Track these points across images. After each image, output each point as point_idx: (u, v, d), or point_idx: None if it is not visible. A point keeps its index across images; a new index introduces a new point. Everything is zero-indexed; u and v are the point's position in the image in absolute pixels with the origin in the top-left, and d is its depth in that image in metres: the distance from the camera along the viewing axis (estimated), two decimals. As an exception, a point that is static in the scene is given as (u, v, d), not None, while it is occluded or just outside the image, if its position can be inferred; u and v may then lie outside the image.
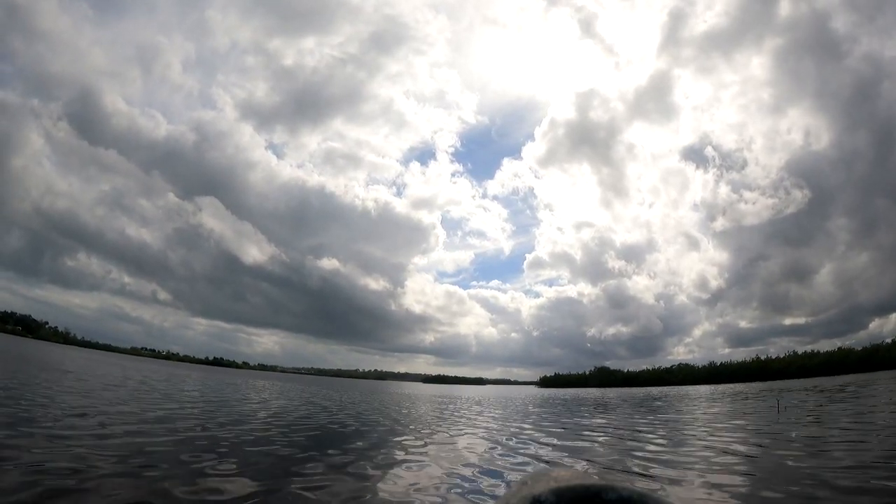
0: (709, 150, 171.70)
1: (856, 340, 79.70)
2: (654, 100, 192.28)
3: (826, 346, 79.22)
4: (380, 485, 3.71)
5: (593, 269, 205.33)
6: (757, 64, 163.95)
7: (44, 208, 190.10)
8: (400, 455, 5.22)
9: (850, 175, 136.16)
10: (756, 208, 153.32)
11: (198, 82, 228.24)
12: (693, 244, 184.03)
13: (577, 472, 0.75)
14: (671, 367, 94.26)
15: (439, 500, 3.37)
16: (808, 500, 3.14)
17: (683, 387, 57.20)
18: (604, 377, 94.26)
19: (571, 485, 0.68)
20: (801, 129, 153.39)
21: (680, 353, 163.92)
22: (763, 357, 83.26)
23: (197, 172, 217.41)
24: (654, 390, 39.07)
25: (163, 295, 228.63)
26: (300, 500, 3.15)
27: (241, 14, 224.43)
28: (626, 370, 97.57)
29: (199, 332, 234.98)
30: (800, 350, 79.93)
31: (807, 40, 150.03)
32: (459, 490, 3.65)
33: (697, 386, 59.01)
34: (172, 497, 2.94)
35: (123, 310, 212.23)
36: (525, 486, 0.71)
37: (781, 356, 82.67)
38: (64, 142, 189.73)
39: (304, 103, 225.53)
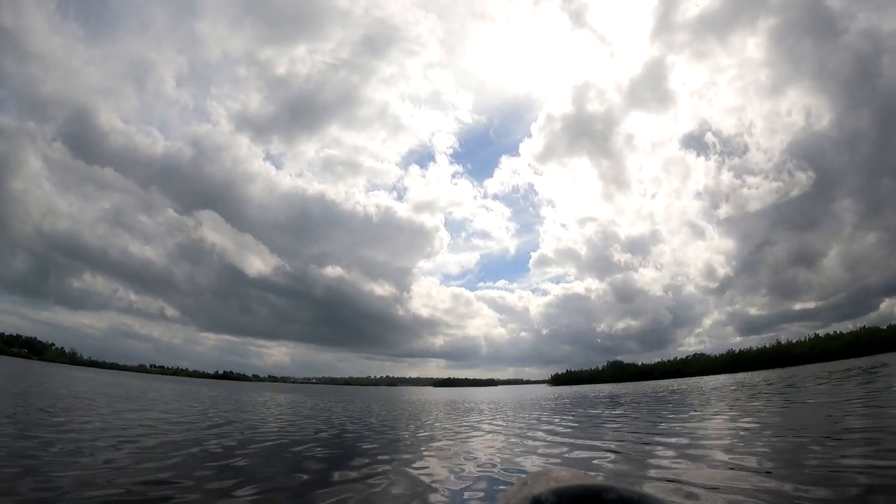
0: (709, 137, 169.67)
1: (867, 322, 77.19)
2: (650, 88, 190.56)
3: (838, 329, 76.84)
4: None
5: (599, 263, 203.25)
6: (752, 45, 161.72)
7: (45, 230, 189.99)
8: None
9: (854, 155, 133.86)
10: (759, 193, 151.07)
11: (192, 96, 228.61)
12: (698, 233, 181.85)
13: (578, 472, 0.75)
14: (687, 357, 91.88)
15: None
16: None
17: (705, 377, 54.89)
18: (617, 372, 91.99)
19: (572, 485, 0.67)
20: (802, 109, 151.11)
21: (691, 343, 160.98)
22: (776, 343, 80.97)
23: (195, 187, 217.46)
24: (688, 382, 36.71)
25: (170, 311, 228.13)
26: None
27: (230, 25, 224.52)
28: (640, 363, 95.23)
29: (208, 346, 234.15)
30: (811, 334, 77.70)
31: (802, 19, 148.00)
32: None
33: (724, 375, 56.53)
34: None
35: (132, 328, 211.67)
36: (525, 486, 0.71)
37: (802, 340, 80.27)
38: (61, 162, 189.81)
39: (299, 111, 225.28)
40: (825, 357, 63.03)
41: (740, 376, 37.91)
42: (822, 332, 76.62)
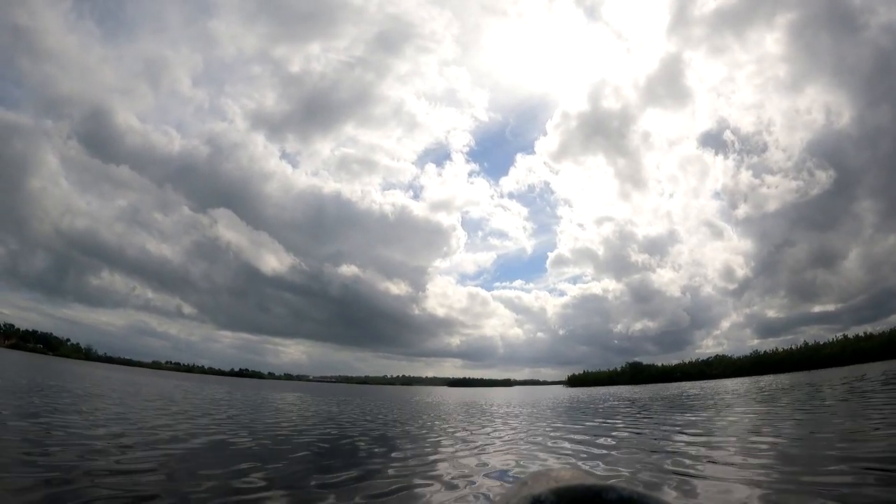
0: (727, 135, 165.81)
1: (886, 325, 73.83)
2: (667, 84, 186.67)
3: (857, 332, 73.51)
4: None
5: (616, 264, 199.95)
6: (771, 41, 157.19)
7: (64, 228, 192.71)
8: None
9: (875, 153, 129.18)
10: (779, 192, 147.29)
11: (207, 95, 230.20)
12: (716, 233, 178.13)
13: (578, 472, 0.74)
14: (709, 359, 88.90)
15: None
16: None
17: (733, 379, 52.21)
18: (637, 373, 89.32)
19: (572, 485, 0.67)
20: (822, 107, 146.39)
21: (709, 346, 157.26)
22: (803, 344, 77.61)
23: (211, 185, 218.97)
24: (724, 384, 34.17)
25: (187, 309, 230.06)
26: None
27: (244, 23, 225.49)
28: (660, 364, 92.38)
29: (225, 344, 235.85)
30: (839, 336, 74.26)
31: (821, 13, 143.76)
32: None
33: (750, 377, 53.74)
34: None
35: (150, 325, 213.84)
36: (525, 486, 0.70)
37: (831, 341, 76.96)
38: (77, 160, 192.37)
39: (314, 110, 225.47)
40: (855, 359, 59.88)
41: (783, 378, 35.36)
42: (840, 336, 73.29)
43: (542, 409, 14.93)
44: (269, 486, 3.74)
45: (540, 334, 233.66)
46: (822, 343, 77.11)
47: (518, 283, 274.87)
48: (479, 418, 11.55)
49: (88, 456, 4.40)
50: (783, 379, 32.42)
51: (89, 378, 22.09)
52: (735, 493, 3.32)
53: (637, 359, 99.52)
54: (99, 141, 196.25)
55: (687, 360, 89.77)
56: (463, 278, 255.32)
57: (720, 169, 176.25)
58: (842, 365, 57.44)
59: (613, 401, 19.29)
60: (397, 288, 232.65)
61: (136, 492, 3.32)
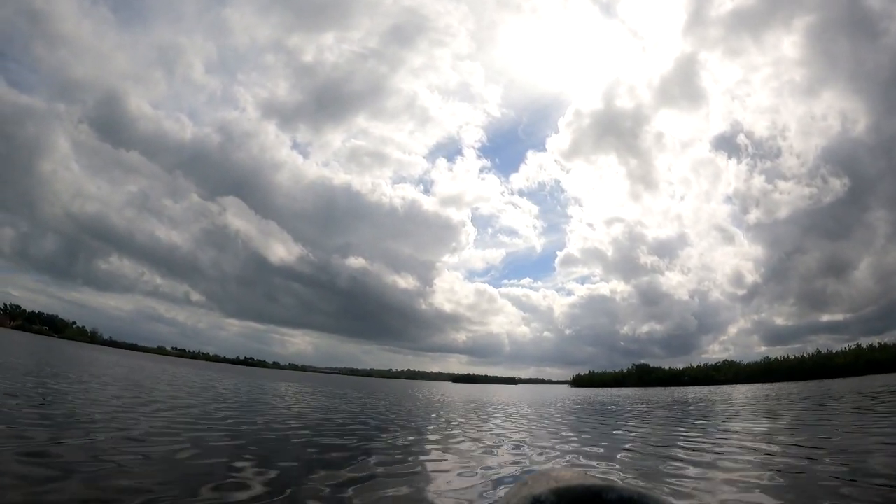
0: (741, 138, 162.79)
1: (895, 338, 71.91)
2: (682, 85, 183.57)
3: (866, 343, 71.74)
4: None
5: (625, 265, 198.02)
6: (788, 44, 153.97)
7: (74, 211, 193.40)
8: None
9: (891, 162, 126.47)
10: (791, 198, 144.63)
11: (220, 83, 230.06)
12: (727, 238, 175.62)
13: (578, 472, 0.74)
14: (717, 364, 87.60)
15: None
16: None
17: (747, 385, 50.86)
18: (643, 375, 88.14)
19: (572, 485, 0.67)
20: (838, 113, 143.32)
21: (715, 351, 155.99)
22: (806, 353, 75.99)
23: (221, 173, 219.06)
24: (739, 389, 32.75)
25: (195, 296, 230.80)
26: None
27: (258, 12, 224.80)
28: (667, 368, 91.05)
29: (232, 332, 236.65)
30: (853, 345, 72.48)
31: (840, 17, 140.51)
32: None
33: (769, 384, 52.30)
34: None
35: (158, 311, 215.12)
36: (525, 486, 0.70)
37: (845, 350, 75.20)
38: (87, 144, 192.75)
39: (326, 100, 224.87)
40: (869, 370, 58.37)
41: (807, 386, 34.01)
42: (853, 345, 71.50)
43: (566, 412, 13.79)
44: None
45: (546, 333, 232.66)
46: (834, 352, 75.47)
47: (526, 281, 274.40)
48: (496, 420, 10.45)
49: None
50: (808, 387, 31.01)
51: (76, 359, 21.25)
52: None
53: (643, 361, 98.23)
54: (111, 126, 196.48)
55: (694, 365, 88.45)
56: (471, 274, 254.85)
57: (733, 173, 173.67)
58: (854, 375, 55.91)
59: (639, 403, 18.15)
60: (405, 282, 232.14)
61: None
